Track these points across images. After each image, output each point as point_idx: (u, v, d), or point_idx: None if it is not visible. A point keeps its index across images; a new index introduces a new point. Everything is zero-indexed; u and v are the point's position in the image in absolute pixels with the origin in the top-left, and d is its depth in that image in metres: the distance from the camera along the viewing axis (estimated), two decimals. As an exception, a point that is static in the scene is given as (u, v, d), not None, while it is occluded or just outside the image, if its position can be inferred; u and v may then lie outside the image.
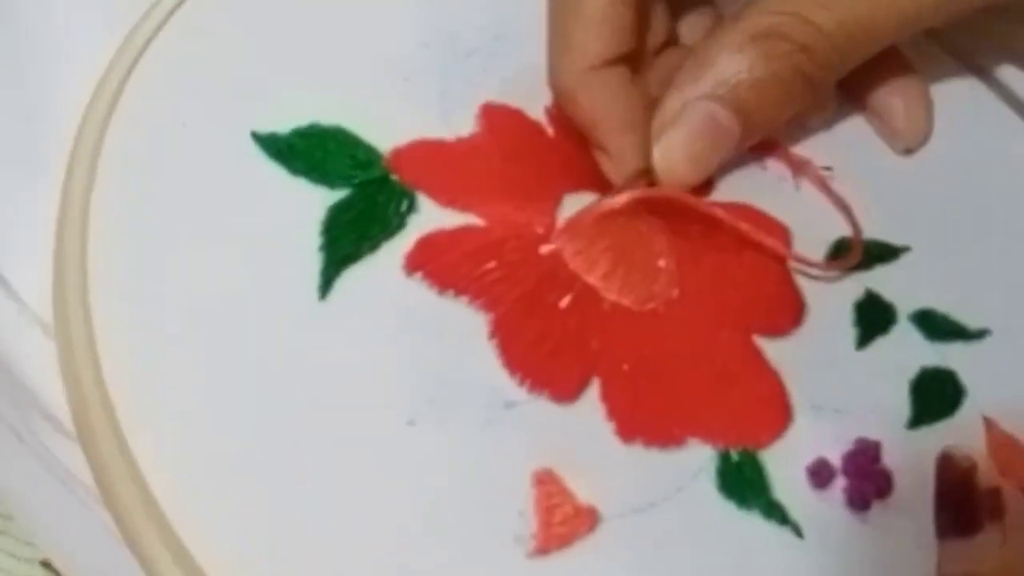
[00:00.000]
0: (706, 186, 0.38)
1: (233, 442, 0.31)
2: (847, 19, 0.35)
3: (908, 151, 0.41)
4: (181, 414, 0.31)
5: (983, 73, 0.44)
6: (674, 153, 0.36)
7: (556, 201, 0.37)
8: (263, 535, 0.30)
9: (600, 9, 0.35)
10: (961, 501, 0.32)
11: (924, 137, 0.41)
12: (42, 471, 0.31)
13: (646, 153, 0.36)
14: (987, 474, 0.33)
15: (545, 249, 0.35)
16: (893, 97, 0.41)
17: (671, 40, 0.40)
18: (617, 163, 0.36)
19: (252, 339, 0.32)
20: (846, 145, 0.41)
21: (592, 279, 0.35)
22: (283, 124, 0.36)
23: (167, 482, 0.30)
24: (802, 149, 0.40)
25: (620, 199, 0.36)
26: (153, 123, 0.35)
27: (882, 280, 0.38)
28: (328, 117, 0.36)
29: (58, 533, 0.31)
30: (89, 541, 0.30)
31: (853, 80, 0.39)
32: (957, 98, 0.42)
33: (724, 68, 0.35)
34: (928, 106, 0.41)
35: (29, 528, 0.32)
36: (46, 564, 0.34)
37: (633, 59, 0.37)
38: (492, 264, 0.35)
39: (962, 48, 0.44)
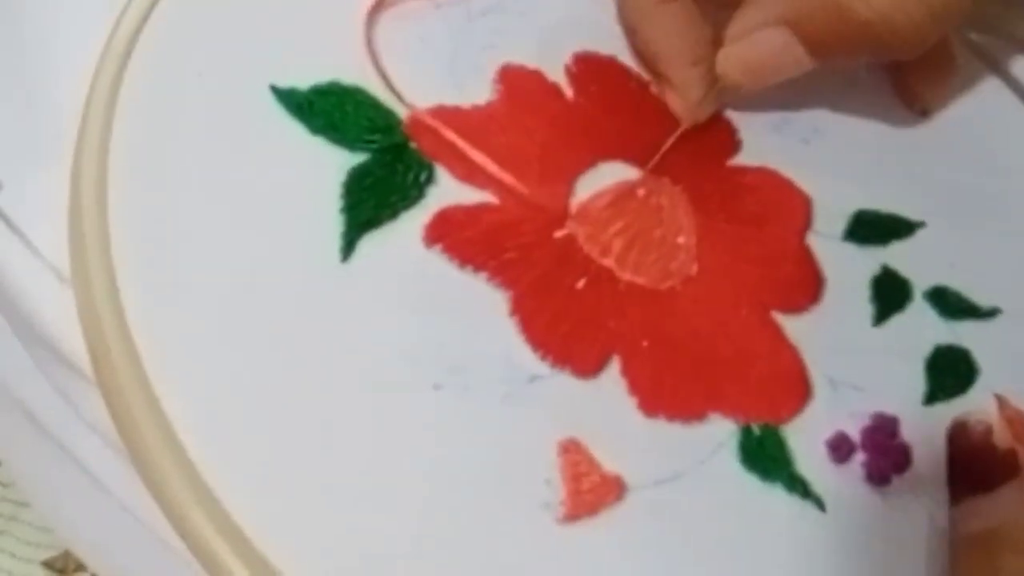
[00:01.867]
0: (732, 148, 0.38)
1: (257, 399, 0.30)
2: None
3: (925, 113, 0.41)
4: (206, 371, 0.30)
5: (993, 61, 0.44)
6: (741, 62, 0.36)
7: (571, 176, 0.36)
8: (291, 492, 0.29)
9: None
10: (979, 462, 0.32)
11: (944, 101, 0.41)
12: (59, 455, 0.30)
13: (711, 86, 0.37)
14: (1002, 435, 0.33)
15: (559, 234, 0.35)
16: (923, 68, 0.41)
17: None
18: (683, 94, 0.37)
19: (275, 297, 0.32)
20: (864, 117, 0.41)
21: (607, 262, 0.35)
22: (303, 80, 0.35)
23: (192, 432, 0.29)
24: (821, 121, 0.40)
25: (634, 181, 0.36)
26: (170, 72, 0.34)
27: (898, 256, 0.38)
28: (348, 75, 0.35)
29: (75, 517, 0.30)
30: (106, 524, 0.30)
31: None
32: (972, 81, 0.42)
33: (806, 6, 0.35)
34: (952, 70, 0.41)
35: (45, 514, 0.31)
36: (47, 564, 0.33)
37: None
38: (508, 244, 0.34)
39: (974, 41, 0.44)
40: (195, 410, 0.30)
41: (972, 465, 0.33)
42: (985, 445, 0.33)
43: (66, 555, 0.38)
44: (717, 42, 0.37)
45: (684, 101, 0.37)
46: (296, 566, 0.28)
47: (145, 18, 0.35)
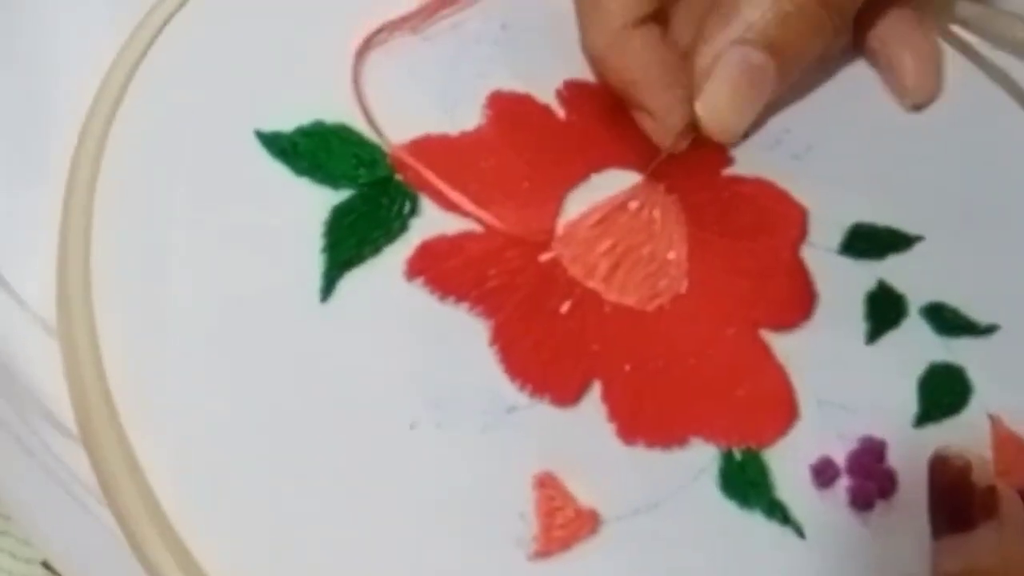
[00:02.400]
0: (725, 160, 0.38)
1: (235, 444, 0.31)
2: None
3: (916, 107, 0.41)
4: (183, 415, 0.31)
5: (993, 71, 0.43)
6: (717, 102, 0.37)
7: (558, 202, 0.36)
8: (265, 537, 0.30)
9: None
10: (957, 499, 0.32)
11: (933, 95, 0.41)
12: (41, 474, 0.31)
13: (688, 107, 0.37)
14: (982, 472, 0.32)
15: (544, 257, 0.35)
16: (904, 52, 0.41)
17: None
18: (663, 120, 0.37)
19: (255, 341, 0.33)
20: (860, 132, 0.40)
21: (592, 283, 0.35)
22: (287, 122, 0.36)
23: (169, 484, 0.30)
24: (814, 137, 0.40)
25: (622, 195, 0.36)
26: (157, 122, 0.35)
27: (895, 270, 0.37)
28: (332, 114, 0.36)
29: (57, 535, 0.31)
30: (89, 543, 0.31)
31: (865, 32, 0.40)
32: (971, 93, 0.42)
33: (750, 11, 0.36)
34: (938, 63, 0.41)
35: (28, 530, 0.32)
36: (47, 565, 0.34)
37: (662, 14, 0.38)
38: (492, 272, 0.35)
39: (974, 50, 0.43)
40: (172, 466, 0.30)
41: (951, 501, 0.32)
42: (964, 482, 0.32)
43: None
44: (684, 62, 0.37)
45: (664, 127, 0.37)
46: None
47: (136, 65, 0.36)
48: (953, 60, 0.42)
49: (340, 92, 0.37)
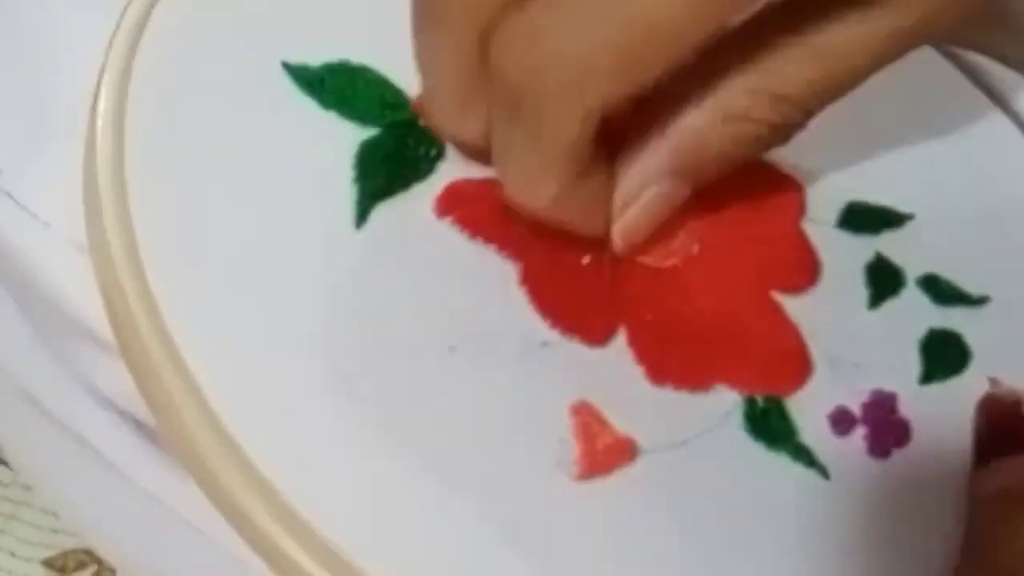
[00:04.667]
0: None
1: (281, 356, 0.31)
2: (820, 78, 0.32)
3: None
4: (228, 329, 0.31)
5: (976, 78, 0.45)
6: (636, 231, 0.34)
7: None
8: (315, 449, 0.30)
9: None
10: (1006, 428, 0.33)
11: None
12: (62, 438, 0.30)
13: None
14: None
15: None
16: None
17: None
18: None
19: (291, 263, 0.32)
20: (851, 114, 0.42)
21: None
22: (315, 57, 0.35)
23: (219, 384, 0.30)
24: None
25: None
26: (184, 44, 0.35)
27: (890, 245, 0.38)
28: (358, 55, 0.36)
29: (82, 502, 0.30)
30: (114, 506, 0.30)
31: None
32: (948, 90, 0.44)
33: (689, 142, 0.32)
34: None
35: (52, 499, 0.31)
36: (47, 563, 0.33)
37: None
38: (516, 219, 0.35)
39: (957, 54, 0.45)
40: (221, 371, 0.30)
41: (1000, 432, 0.33)
42: (1014, 413, 0.33)
43: (66, 554, 0.38)
44: None
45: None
46: (317, 514, 0.29)
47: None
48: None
49: (366, 37, 0.37)
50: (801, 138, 0.39)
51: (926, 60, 0.44)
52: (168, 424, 0.29)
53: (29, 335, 0.35)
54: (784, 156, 0.39)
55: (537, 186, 0.31)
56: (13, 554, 0.33)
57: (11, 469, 0.40)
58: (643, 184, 0.33)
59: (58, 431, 0.34)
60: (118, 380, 0.31)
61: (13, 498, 0.41)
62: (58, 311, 0.32)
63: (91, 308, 0.31)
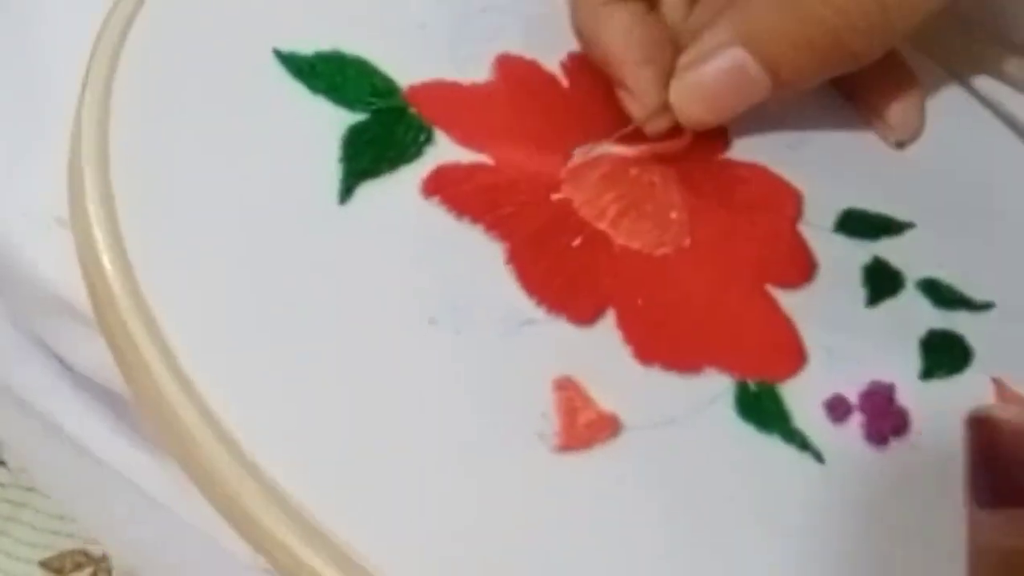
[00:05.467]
0: (722, 144, 0.39)
1: (261, 329, 0.30)
2: None
3: (900, 144, 0.41)
4: (210, 302, 0.30)
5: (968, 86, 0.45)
6: (693, 91, 0.35)
7: (567, 153, 0.36)
8: (292, 417, 0.29)
9: None
10: (1009, 466, 0.30)
11: (918, 131, 0.41)
12: (50, 435, 0.30)
13: (664, 85, 0.36)
14: None
15: (556, 196, 0.35)
16: (889, 91, 0.41)
17: None
18: (639, 97, 0.36)
19: (274, 240, 0.32)
20: (850, 134, 0.42)
21: (602, 225, 0.35)
22: (306, 46, 0.35)
23: (200, 363, 0.29)
24: (807, 126, 0.41)
25: (629, 151, 0.36)
26: (176, 30, 0.35)
27: (889, 250, 0.38)
28: (351, 46, 0.36)
29: (81, 495, 0.30)
30: (109, 498, 0.29)
31: (853, 79, 0.40)
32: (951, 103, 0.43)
33: (761, 20, 0.35)
34: (922, 100, 0.42)
35: (50, 491, 0.31)
36: (44, 564, 0.33)
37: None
38: (505, 201, 0.34)
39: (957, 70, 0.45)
40: (201, 343, 0.30)
41: (1001, 469, 0.30)
42: (1019, 447, 0.28)
43: (63, 555, 0.37)
44: (669, 42, 0.37)
45: (640, 105, 0.36)
46: (297, 484, 0.28)
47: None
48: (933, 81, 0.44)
49: (357, 30, 0.37)
50: (801, 149, 0.40)
51: (927, 73, 0.44)
52: (144, 397, 0.29)
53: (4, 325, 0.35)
54: (784, 165, 0.39)
55: None
56: (11, 555, 0.33)
57: (10, 471, 0.40)
58: (713, 47, 0.35)
59: (36, 419, 0.34)
60: (95, 355, 0.30)
61: (11, 500, 0.40)
62: (38, 288, 0.32)
63: (71, 285, 0.31)
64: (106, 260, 0.30)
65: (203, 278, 0.31)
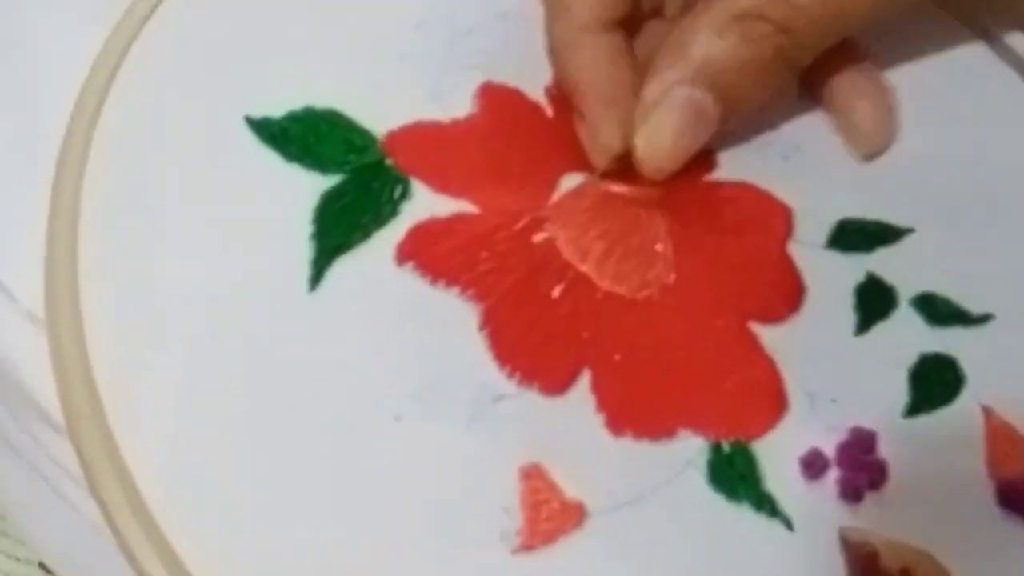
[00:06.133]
0: (709, 163, 0.38)
1: (219, 435, 0.31)
2: None
3: (868, 157, 0.39)
4: (169, 406, 0.31)
5: (993, 40, 0.42)
6: (658, 139, 0.35)
7: (552, 185, 0.36)
8: (248, 530, 0.30)
9: None
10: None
11: (887, 143, 0.39)
12: (32, 472, 0.31)
13: (622, 130, 0.35)
14: (891, 559, 0.31)
15: (538, 238, 0.35)
16: (858, 100, 0.39)
17: (659, 10, 0.39)
18: (596, 136, 0.36)
19: (242, 331, 0.33)
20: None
21: (585, 267, 0.35)
22: (277, 108, 0.35)
23: (154, 478, 0.30)
24: (801, 138, 0.39)
25: (616, 188, 0.36)
26: (146, 108, 0.35)
27: (884, 263, 0.37)
28: (322, 100, 0.36)
29: (50, 535, 0.31)
30: (81, 542, 0.31)
31: (819, 81, 0.39)
32: (968, 71, 0.41)
33: (704, 51, 0.34)
34: (893, 111, 0.39)
35: (21, 529, 0.32)
36: (44, 566, 0.34)
37: (629, 27, 0.37)
38: (484, 254, 0.35)
39: (970, 13, 0.42)
40: (157, 459, 0.31)
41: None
42: (874, 568, 0.31)
43: None
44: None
45: (592, 142, 0.36)
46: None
47: (124, 53, 0.36)
48: (946, 37, 0.42)
49: (330, 77, 0.36)
50: (791, 162, 0.38)
51: (945, 33, 0.41)
52: (107, 519, 0.30)
53: None
54: (774, 175, 0.38)
55: None
56: (11, 555, 0.34)
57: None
58: (664, 89, 0.35)
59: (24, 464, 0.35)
60: (69, 459, 0.31)
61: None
62: (16, 385, 0.33)
63: (44, 386, 0.32)
64: (73, 372, 0.32)
65: (168, 394, 0.32)
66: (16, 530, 0.32)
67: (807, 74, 0.37)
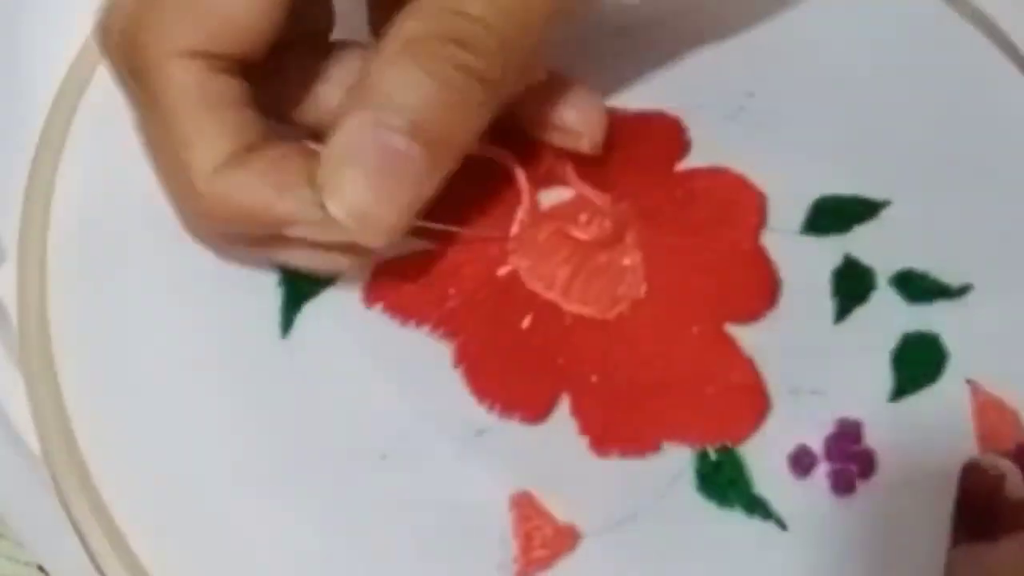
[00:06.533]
0: (679, 150, 0.38)
1: (202, 486, 0.32)
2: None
3: (595, 147, 0.36)
4: (147, 459, 0.32)
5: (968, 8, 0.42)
6: (353, 196, 0.29)
7: (511, 214, 0.36)
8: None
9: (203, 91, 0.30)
10: (985, 508, 0.31)
11: (603, 128, 0.36)
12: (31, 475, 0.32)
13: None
14: (1015, 486, 0.32)
15: (502, 271, 0.35)
16: (565, 110, 0.36)
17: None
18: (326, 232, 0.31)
19: (218, 381, 0.33)
20: (822, 98, 0.40)
21: (552, 295, 0.35)
22: None
23: (134, 524, 0.31)
24: (782, 96, 0.39)
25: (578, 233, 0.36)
26: (107, 164, 0.35)
27: (861, 242, 0.37)
28: None
29: (47, 539, 0.32)
30: (79, 548, 0.32)
31: (523, 111, 0.35)
32: (940, 37, 0.41)
33: (385, 87, 0.29)
34: (597, 100, 0.36)
35: (19, 533, 0.33)
36: (43, 568, 0.34)
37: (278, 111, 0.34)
38: (451, 291, 0.35)
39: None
40: (137, 507, 0.31)
41: (979, 510, 0.32)
42: (996, 492, 0.32)
43: None
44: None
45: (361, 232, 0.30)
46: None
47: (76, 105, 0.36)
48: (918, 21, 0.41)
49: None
50: (767, 132, 0.38)
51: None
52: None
53: None
54: (748, 156, 0.38)
55: None
56: (11, 558, 0.35)
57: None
58: (346, 140, 0.29)
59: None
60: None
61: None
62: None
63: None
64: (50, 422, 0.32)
65: (144, 446, 0.32)
66: (15, 534, 0.33)
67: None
